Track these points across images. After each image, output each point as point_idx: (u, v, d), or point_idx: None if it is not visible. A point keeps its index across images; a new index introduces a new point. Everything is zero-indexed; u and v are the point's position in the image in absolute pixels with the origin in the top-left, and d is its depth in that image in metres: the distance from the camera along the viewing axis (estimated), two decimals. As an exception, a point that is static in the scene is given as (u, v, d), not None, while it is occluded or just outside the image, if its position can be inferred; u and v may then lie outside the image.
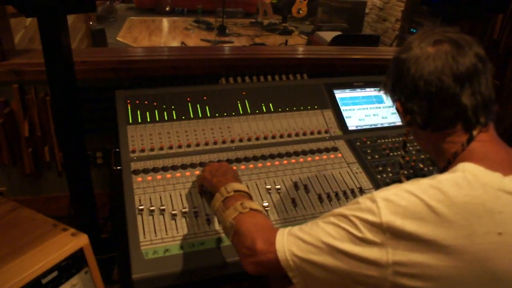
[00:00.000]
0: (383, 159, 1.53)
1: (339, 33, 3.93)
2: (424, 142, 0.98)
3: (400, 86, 0.93)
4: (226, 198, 1.04)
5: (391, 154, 1.56)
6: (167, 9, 8.73)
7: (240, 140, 1.50)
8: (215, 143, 1.47)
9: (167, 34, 7.33)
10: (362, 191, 1.39)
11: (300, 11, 8.91)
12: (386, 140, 1.63)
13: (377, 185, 1.42)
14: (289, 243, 0.85)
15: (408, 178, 1.22)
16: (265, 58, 1.94)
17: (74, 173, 1.59)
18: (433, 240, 0.74)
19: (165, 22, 8.20)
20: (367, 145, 1.59)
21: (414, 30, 5.19)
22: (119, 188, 1.51)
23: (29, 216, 1.18)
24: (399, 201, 0.77)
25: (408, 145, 1.56)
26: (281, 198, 1.33)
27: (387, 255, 0.75)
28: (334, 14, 7.61)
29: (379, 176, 1.46)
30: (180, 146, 1.43)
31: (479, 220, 0.75)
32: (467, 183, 0.78)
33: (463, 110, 0.86)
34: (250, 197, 1.07)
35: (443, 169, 0.91)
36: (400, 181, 1.01)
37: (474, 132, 0.87)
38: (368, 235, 0.77)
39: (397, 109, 0.97)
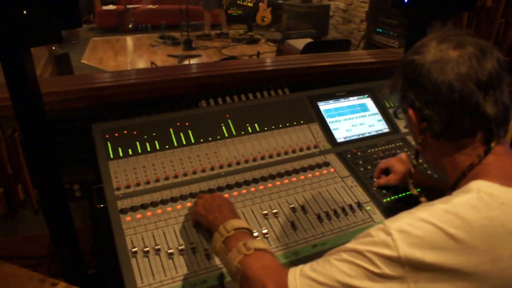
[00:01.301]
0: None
1: (310, 40, 3.93)
2: (434, 153, 0.92)
3: (416, 92, 0.87)
4: (226, 238, 0.97)
5: (383, 163, 1.53)
6: (130, 26, 8.61)
7: (229, 165, 1.44)
8: (203, 171, 1.41)
9: (133, 53, 7.22)
10: (360, 206, 1.36)
11: (265, 19, 8.96)
12: (377, 149, 1.60)
13: (374, 198, 1.39)
14: (302, 285, 0.79)
15: (416, 186, 1.17)
16: (244, 73, 1.89)
17: (52, 211, 1.49)
18: (455, 269, 0.71)
19: (130, 40, 8.08)
20: (358, 156, 1.56)
21: (380, 30, 5.27)
22: (104, 225, 1.43)
23: (12, 273, 1.09)
24: (415, 232, 0.73)
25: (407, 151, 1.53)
26: (279, 223, 1.28)
27: None
28: (299, 19, 7.66)
29: (374, 188, 1.42)
30: (167, 178, 1.36)
31: (502, 243, 0.72)
32: (483, 204, 0.75)
33: (486, 119, 0.82)
34: (251, 234, 1.02)
35: (454, 184, 0.87)
36: (409, 191, 0.97)
37: (492, 144, 0.83)
38: (386, 270, 0.73)
39: (407, 115, 0.91)
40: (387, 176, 1.42)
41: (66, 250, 1.58)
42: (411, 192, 1.00)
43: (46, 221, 1.51)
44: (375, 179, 1.45)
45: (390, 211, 1.35)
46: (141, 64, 6.53)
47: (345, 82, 1.87)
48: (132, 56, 6.98)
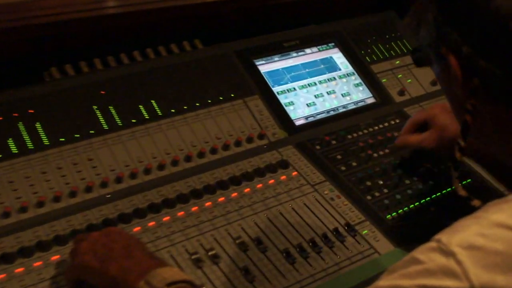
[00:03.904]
0: (366, 166, 1.57)
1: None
2: (488, 124, 1.00)
3: (463, 30, 0.93)
4: None
5: (375, 155, 1.61)
6: None
7: (118, 180, 1.43)
8: (72, 194, 1.38)
9: None
10: (351, 229, 1.42)
11: None
12: (361, 133, 1.69)
13: (372, 214, 1.46)
14: None
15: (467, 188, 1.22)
16: (113, 15, 1.85)
17: None
18: None
19: None
20: (334, 146, 1.63)
21: None
22: None
23: None
24: (492, 245, 0.79)
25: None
26: (223, 271, 1.29)
27: None
28: None
29: (369, 197, 1.49)
30: (7, 214, 1.31)
31: None
32: None
33: None
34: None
35: None
36: (455, 194, 1.03)
37: None
38: None
39: (443, 66, 0.98)
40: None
41: None
42: (454, 189, 1.07)
43: None
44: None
45: (401, 234, 1.43)
46: None
47: (284, 27, 1.94)
48: None
